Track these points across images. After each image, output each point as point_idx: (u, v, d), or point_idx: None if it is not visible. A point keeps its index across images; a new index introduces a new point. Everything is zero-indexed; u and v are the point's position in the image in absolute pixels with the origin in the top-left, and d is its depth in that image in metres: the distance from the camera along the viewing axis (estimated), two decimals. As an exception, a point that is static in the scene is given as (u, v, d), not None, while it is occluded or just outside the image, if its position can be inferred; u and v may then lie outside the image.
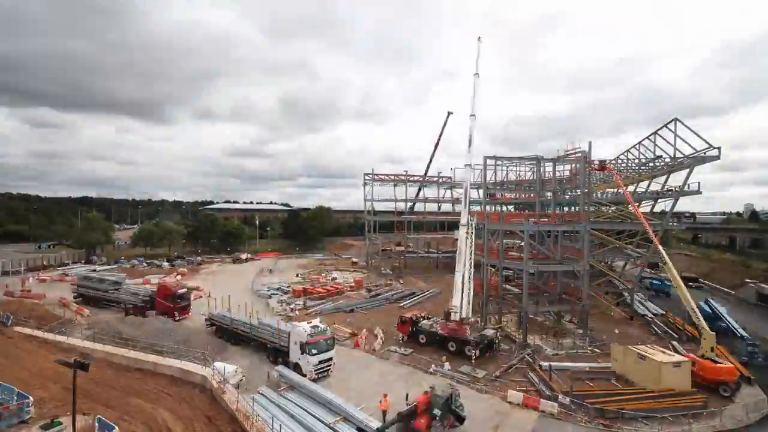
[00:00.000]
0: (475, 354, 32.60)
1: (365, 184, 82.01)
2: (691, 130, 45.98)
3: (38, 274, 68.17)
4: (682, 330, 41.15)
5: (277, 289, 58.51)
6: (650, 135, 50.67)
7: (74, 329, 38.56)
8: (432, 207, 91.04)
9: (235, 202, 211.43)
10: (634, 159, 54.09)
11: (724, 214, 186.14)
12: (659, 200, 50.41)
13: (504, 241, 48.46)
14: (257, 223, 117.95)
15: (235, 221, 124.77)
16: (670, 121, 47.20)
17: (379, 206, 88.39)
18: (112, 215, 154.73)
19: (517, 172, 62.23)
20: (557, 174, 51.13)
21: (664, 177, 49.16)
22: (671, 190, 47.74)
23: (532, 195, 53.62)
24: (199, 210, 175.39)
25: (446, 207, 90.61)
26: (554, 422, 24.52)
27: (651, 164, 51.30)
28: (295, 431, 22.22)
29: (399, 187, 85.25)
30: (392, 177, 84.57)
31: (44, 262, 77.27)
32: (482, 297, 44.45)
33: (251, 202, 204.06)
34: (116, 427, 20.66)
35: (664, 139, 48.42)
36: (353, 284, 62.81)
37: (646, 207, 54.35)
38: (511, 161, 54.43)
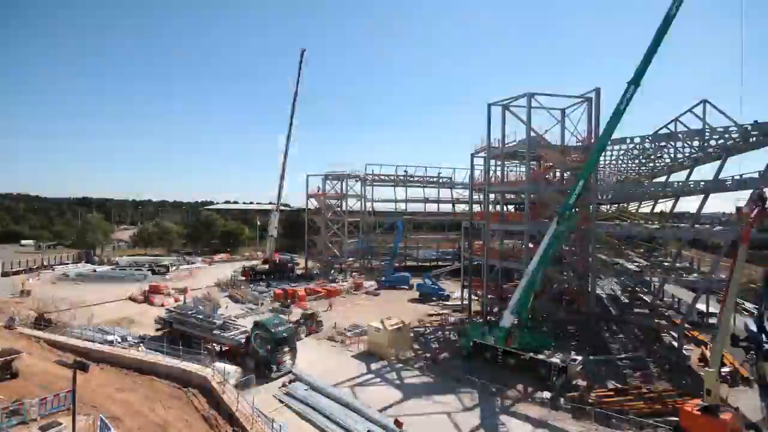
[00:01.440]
0: None
1: (364, 184, 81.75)
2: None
3: (38, 273, 68.19)
4: None
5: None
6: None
7: (74, 329, 38.53)
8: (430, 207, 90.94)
9: (235, 202, 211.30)
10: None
11: (724, 214, 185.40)
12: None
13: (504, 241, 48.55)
14: (257, 223, 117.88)
15: (234, 221, 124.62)
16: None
17: (378, 206, 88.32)
18: (112, 216, 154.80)
19: (518, 173, 61.97)
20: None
21: (664, 177, 48.89)
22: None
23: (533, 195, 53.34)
24: (199, 210, 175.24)
25: (446, 207, 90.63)
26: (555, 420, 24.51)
27: (651, 165, 50.64)
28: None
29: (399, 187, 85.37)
30: (392, 177, 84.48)
31: (44, 262, 77.17)
32: (483, 297, 44.55)
33: (251, 202, 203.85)
34: (116, 428, 20.65)
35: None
36: (352, 285, 63.01)
37: (646, 207, 54.08)
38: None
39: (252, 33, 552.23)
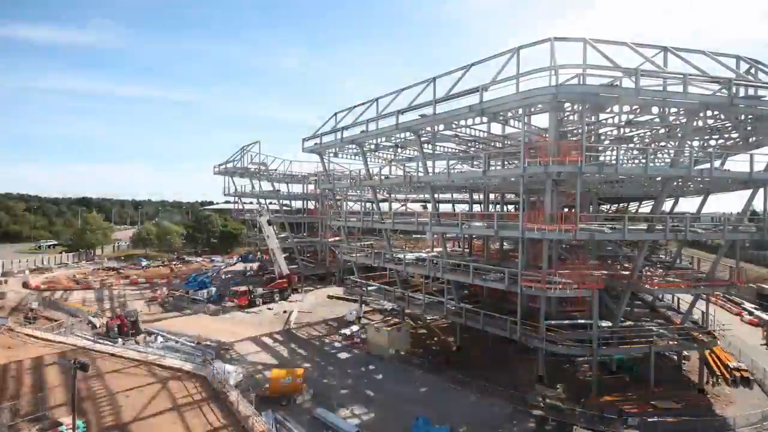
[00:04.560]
0: None
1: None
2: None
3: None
4: None
5: None
6: None
7: (74, 329, 38.53)
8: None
9: (235, 202, 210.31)
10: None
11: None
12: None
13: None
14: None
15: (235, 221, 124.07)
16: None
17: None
18: (112, 216, 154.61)
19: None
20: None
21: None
22: None
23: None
24: (199, 210, 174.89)
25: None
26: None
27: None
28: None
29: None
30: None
31: (44, 263, 77.16)
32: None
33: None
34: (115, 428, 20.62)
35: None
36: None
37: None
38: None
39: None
